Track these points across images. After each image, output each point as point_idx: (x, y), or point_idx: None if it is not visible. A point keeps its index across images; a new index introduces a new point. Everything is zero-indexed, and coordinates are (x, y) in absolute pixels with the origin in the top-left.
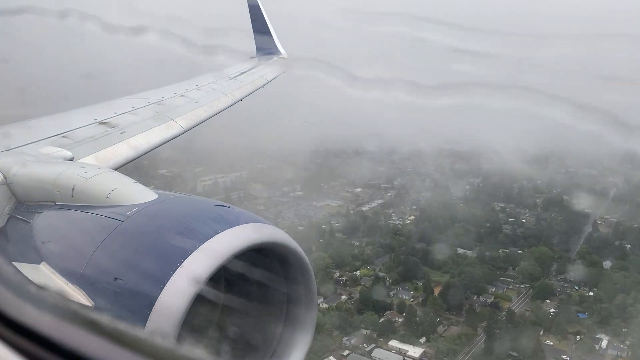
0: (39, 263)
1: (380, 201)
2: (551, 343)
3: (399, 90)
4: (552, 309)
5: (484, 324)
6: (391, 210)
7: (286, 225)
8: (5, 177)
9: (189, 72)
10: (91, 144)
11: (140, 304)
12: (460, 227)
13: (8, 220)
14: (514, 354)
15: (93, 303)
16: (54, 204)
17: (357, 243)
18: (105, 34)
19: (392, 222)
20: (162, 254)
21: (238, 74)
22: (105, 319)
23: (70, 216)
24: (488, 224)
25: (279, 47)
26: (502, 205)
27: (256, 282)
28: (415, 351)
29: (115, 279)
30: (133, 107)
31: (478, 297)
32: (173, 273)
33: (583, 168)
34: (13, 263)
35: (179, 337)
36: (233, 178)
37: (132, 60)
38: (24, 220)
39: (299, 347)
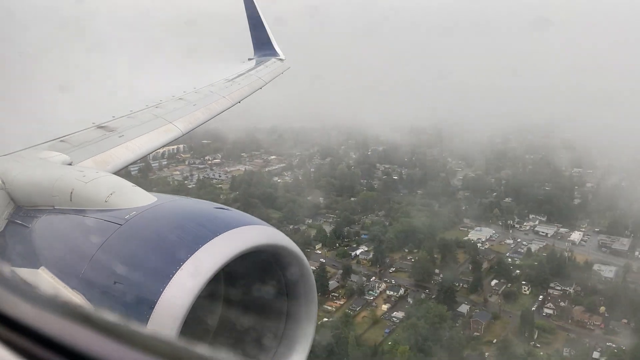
0: (37, 267)
1: (282, 165)
2: (320, 252)
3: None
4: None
5: None
6: (289, 173)
7: (180, 183)
8: (3, 182)
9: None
10: (89, 148)
11: (140, 308)
12: (325, 181)
13: (7, 225)
14: None
15: (93, 307)
16: (52, 208)
17: (229, 193)
18: None
19: (277, 180)
20: (161, 257)
21: (236, 76)
22: (105, 315)
23: (69, 220)
24: (363, 180)
25: (276, 49)
26: (387, 166)
27: (255, 282)
28: None
29: (115, 282)
30: (131, 111)
31: (295, 225)
32: (173, 276)
33: (485, 137)
34: (12, 268)
35: (180, 339)
36: (167, 149)
37: None
38: (23, 225)
39: (301, 342)
